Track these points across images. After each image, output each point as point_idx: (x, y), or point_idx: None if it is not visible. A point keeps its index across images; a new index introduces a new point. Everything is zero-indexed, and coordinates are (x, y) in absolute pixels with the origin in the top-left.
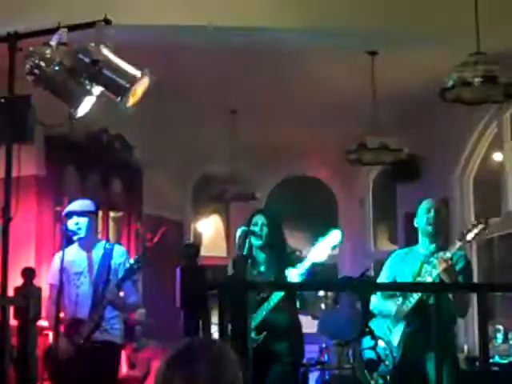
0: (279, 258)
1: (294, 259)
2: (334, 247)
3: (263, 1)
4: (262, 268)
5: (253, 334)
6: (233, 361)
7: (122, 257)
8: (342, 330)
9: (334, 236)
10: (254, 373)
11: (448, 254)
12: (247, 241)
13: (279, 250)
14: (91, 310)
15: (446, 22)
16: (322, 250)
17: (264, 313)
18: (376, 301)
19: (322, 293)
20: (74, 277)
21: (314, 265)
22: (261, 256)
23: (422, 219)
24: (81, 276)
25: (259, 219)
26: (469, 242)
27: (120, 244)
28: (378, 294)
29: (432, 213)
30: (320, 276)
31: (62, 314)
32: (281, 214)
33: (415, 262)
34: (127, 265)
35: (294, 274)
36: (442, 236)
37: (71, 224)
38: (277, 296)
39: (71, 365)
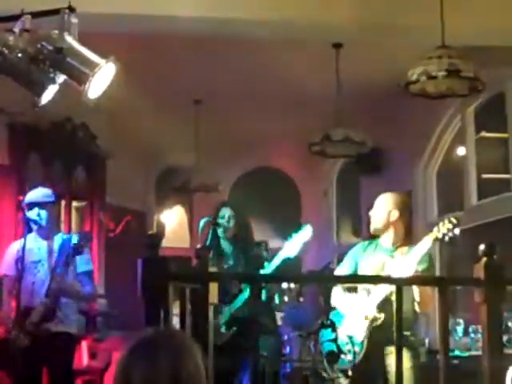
0: (246, 252)
1: (262, 252)
2: (304, 242)
3: None
4: (231, 262)
5: (223, 329)
6: (194, 352)
7: None
8: (306, 322)
9: (307, 232)
10: (226, 367)
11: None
12: (211, 232)
13: (247, 243)
14: (45, 298)
15: (411, 15)
16: (295, 245)
17: (233, 308)
18: (336, 296)
19: (285, 285)
20: (32, 265)
21: (284, 260)
22: (229, 249)
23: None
24: (38, 264)
25: (226, 212)
26: (439, 239)
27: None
28: (338, 287)
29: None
30: (283, 268)
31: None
32: (247, 207)
33: (378, 256)
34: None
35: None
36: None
37: (33, 214)
38: (246, 292)
39: (25, 355)
